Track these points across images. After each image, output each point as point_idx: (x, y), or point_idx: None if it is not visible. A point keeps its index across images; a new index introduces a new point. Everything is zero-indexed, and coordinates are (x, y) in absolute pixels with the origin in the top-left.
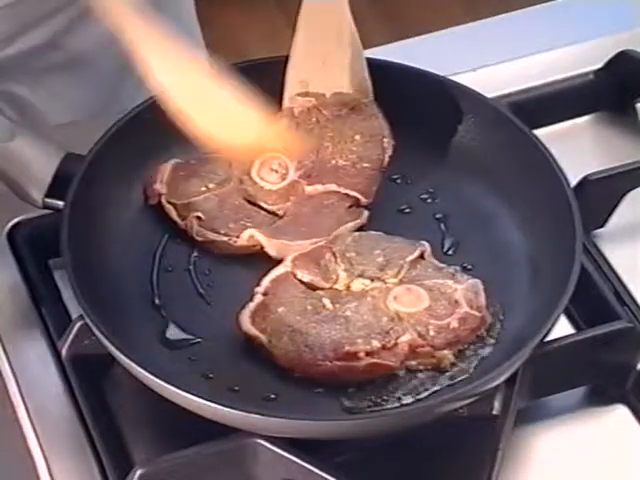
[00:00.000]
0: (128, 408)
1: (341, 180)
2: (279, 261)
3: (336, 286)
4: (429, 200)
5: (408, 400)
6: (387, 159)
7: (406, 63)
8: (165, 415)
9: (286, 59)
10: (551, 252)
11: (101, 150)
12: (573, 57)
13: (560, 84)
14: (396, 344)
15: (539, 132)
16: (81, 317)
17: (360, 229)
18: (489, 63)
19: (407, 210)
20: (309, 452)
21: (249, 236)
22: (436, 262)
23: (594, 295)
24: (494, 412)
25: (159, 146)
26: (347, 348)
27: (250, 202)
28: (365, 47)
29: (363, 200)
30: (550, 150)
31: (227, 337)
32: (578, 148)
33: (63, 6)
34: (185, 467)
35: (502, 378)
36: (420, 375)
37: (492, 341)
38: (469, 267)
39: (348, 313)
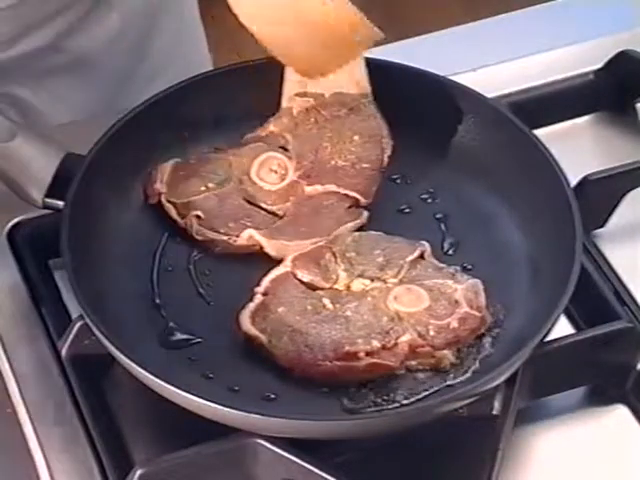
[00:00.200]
0: (128, 408)
1: (340, 180)
2: (279, 261)
3: (336, 286)
4: (429, 200)
5: (408, 400)
6: (386, 159)
7: (406, 63)
8: (165, 415)
9: None
10: (551, 252)
11: (101, 150)
12: (573, 57)
13: (560, 84)
14: (396, 344)
15: (539, 132)
16: (81, 317)
17: (360, 229)
18: (489, 63)
19: (407, 210)
20: (309, 452)
21: (248, 236)
22: (436, 262)
23: (594, 295)
24: (494, 412)
25: (159, 146)
26: (347, 348)
27: (250, 202)
28: None
29: (362, 200)
30: (550, 150)
31: (227, 337)
32: (578, 148)
33: (64, 9)
34: (185, 467)
35: (502, 378)
36: (420, 375)
37: (492, 341)
38: (469, 267)
39: (348, 313)
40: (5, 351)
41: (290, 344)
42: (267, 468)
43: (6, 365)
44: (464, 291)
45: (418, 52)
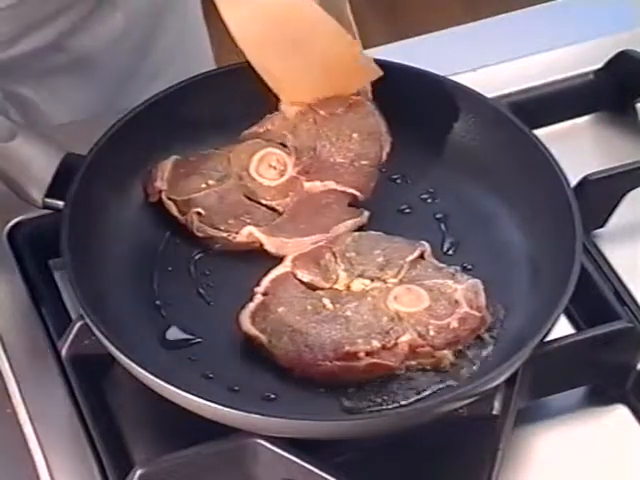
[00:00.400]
0: (128, 408)
1: (339, 177)
2: (279, 261)
3: (336, 286)
4: (429, 200)
5: (408, 400)
6: (385, 156)
7: (406, 63)
8: (165, 415)
9: None
10: (551, 252)
11: (101, 150)
12: (573, 57)
13: (560, 84)
14: (396, 344)
15: (539, 132)
16: (81, 317)
17: (360, 229)
18: (489, 63)
19: (407, 210)
20: (309, 452)
21: (248, 233)
22: (436, 262)
23: (594, 295)
24: (494, 412)
25: (159, 146)
26: (347, 348)
27: (250, 198)
28: (365, 47)
29: (360, 196)
30: (550, 150)
31: (227, 337)
32: (578, 148)
33: (66, 8)
34: (185, 467)
35: (502, 378)
36: (420, 375)
37: (492, 341)
38: (469, 267)
39: (348, 313)
40: (5, 351)
41: (290, 344)
42: (267, 468)
43: (6, 365)
44: (464, 291)
45: (418, 52)
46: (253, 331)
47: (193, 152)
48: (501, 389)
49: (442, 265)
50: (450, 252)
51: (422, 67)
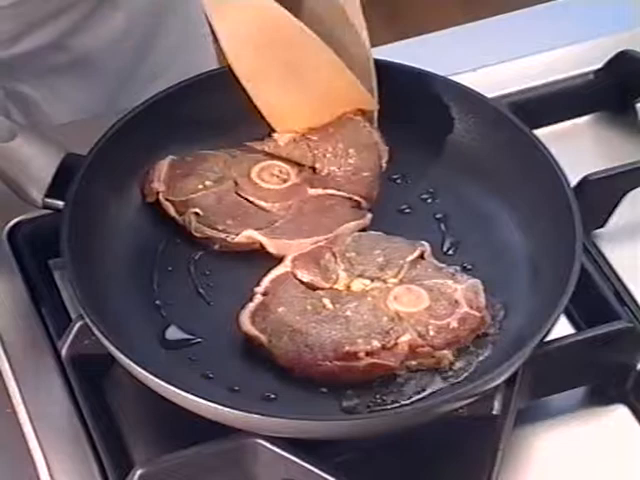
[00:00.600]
0: (128, 408)
1: (343, 187)
2: (279, 261)
3: (336, 286)
4: (429, 200)
5: (408, 400)
6: (384, 165)
7: (406, 63)
8: (165, 415)
9: None
10: (551, 252)
11: (101, 150)
12: (573, 57)
13: (560, 84)
14: (396, 344)
15: (539, 132)
16: (81, 317)
17: (361, 229)
18: (489, 63)
19: (407, 210)
20: (309, 452)
21: (248, 236)
22: (436, 262)
23: (594, 295)
24: (494, 412)
25: (159, 146)
26: (347, 348)
27: (248, 200)
28: None
29: (365, 204)
30: (550, 150)
31: (227, 337)
32: (578, 148)
33: (68, 7)
34: (185, 467)
35: (502, 378)
36: (420, 375)
37: (492, 341)
38: (469, 267)
39: (348, 313)
40: (5, 351)
41: (290, 344)
42: (267, 468)
43: (6, 365)
44: (464, 291)
45: (418, 52)
46: (253, 331)
47: (193, 152)
48: (501, 389)
49: (442, 265)
50: (450, 252)
51: (422, 67)
